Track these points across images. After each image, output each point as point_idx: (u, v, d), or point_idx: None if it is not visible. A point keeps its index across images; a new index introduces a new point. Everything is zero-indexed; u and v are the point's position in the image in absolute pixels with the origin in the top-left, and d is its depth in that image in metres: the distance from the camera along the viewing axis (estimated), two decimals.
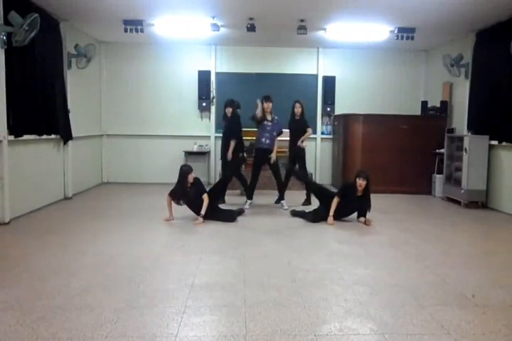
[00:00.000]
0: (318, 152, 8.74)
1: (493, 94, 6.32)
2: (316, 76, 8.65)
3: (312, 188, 6.06)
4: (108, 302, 2.86)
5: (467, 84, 7.00)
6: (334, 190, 6.15)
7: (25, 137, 5.47)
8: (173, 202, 5.30)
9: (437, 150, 7.48)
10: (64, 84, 6.55)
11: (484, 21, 6.26)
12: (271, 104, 6.11)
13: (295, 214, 5.66)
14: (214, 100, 8.44)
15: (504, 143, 6.10)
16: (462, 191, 6.49)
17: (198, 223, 5.15)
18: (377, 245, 4.41)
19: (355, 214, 5.43)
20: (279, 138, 6.31)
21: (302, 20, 6.40)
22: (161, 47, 8.41)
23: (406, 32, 6.68)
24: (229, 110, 6.27)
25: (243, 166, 6.94)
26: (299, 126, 6.36)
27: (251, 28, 6.39)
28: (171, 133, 8.52)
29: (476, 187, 6.40)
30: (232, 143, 6.21)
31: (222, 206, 5.83)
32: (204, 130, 8.63)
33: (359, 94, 8.70)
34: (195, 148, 8.47)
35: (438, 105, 7.84)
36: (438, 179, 7.44)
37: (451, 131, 7.49)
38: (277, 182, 6.34)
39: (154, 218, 5.45)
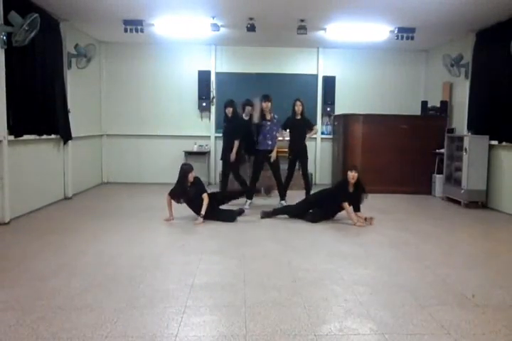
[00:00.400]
0: (318, 152, 8.74)
1: (493, 94, 6.32)
2: (316, 76, 8.65)
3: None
4: (108, 302, 2.86)
5: (467, 84, 7.00)
6: None
7: (25, 137, 5.47)
8: (173, 202, 5.30)
9: (437, 150, 7.48)
10: (64, 84, 6.55)
11: (484, 21, 6.26)
12: (269, 104, 6.11)
13: (274, 213, 5.58)
14: (214, 100, 8.44)
15: (504, 143, 6.10)
16: (462, 191, 6.49)
17: (198, 223, 5.15)
18: (377, 245, 4.41)
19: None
20: (278, 138, 6.32)
21: (302, 20, 6.40)
22: (161, 47, 8.41)
23: (406, 32, 6.68)
24: (229, 110, 6.24)
25: (246, 165, 6.92)
26: (301, 125, 6.36)
27: (251, 28, 6.39)
28: (171, 133, 8.53)
29: (476, 187, 6.40)
30: (236, 143, 6.18)
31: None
32: (204, 130, 8.63)
33: (359, 94, 8.70)
34: (195, 148, 8.47)
35: (438, 105, 7.84)
36: (438, 179, 7.44)
37: (451, 131, 7.49)
38: (277, 182, 6.34)
39: (154, 218, 5.45)
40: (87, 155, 7.80)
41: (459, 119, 7.39)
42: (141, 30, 6.58)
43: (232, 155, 6.17)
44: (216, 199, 5.48)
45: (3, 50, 4.88)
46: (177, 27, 6.84)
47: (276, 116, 6.22)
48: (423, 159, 7.58)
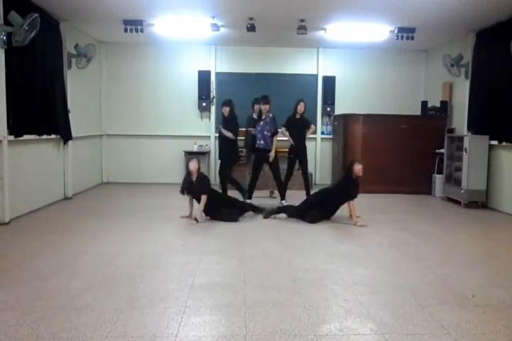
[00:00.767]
0: (318, 152, 8.74)
1: (493, 94, 6.32)
2: (316, 76, 8.65)
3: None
4: (108, 302, 2.86)
5: (467, 84, 7.00)
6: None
7: (25, 137, 5.47)
8: (193, 200, 5.32)
9: (437, 150, 7.48)
10: (64, 84, 6.55)
11: (484, 21, 6.26)
12: (268, 106, 6.13)
13: (277, 211, 5.53)
14: (214, 100, 8.43)
15: (504, 143, 6.10)
16: (462, 191, 6.49)
17: (192, 223, 5.16)
18: (377, 245, 4.41)
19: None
20: (278, 138, 6.32)
21: (302, 20, 6.40)
22: (161, 47, 8.41)
23: (406, 32, 6.68)
24: (226, 110, 6.26)
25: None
26: (300, 124, 6.38)
27: (251, 28, 6.39)
28: (171, 133, 8.53)
29: (476, 187, 6.40)
30: (230, 135, 6.21)
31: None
32: (204, 130, 8.63)
33: (359, 94, 8.70)
34: (195, 148, 8.47)
35: (438, 105, 7.84)
36: (438, 179, 7.44)
37: (451, 131, 7.49)
38: (277, 182, 6.34)
39: (154, 218, 5.45)
40: (87, 155, 7.80)
41: (459, 119, 7.39)
42: (141, 30, 6.58)
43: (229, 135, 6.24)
44: (220, 199, 5.47)
45: (3, 50, 4.88)
46: (177, 27, 6.84)
47: (270, 115, 6.20)
48: (423, 159, 7.58)
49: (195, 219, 5.20)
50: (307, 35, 6.80)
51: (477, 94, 6.76)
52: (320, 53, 8.61)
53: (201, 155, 8.49)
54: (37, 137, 5.79)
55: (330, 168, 8.80)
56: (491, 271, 3.64)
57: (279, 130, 6.35)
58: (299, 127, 6.39)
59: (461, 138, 6.68)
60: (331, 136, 8.76)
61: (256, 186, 6.32)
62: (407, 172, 7.55)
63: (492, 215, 6.02)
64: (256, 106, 6.36)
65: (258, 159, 6.23)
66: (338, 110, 8.55)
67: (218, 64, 8.52)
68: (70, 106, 6.67)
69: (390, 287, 3.22)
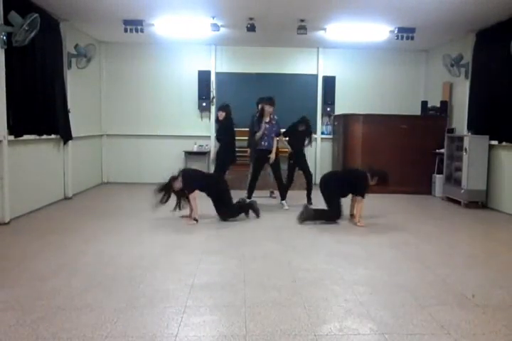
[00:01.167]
0: (318, 152, 8.74)
1: (493, 94, 6.32)
2: (316, 76, 8.65)
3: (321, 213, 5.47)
4: (108, 302, 2.86)
5: (467, 84, 7.00)
6: None
7: (25, 137, 5.47)
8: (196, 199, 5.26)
9: (437, 150, 7.47)
10: (64, 84, 6.55)
11: (484, 21, 6.25)
12: (272, 108, 6.13)
13: (306, 218, 5.31)
14: (214, 100, 8.43)
15: (504, 143, 6.10)
16: (462, 191, 6.49)
17: (191, 223, 5.17)
18: (377, 245, 4.41)
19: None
20: (278, 138, 6.32)
21: (302, 20, 6.40)
22: (161, 47, 8.41)
23: (406, 32, 6.68)
24: (221, 114, 6.34)
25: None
26: (303, 135, 6.49)
27: (251, 28, 6.39)
28: (171, 133, 8.52)
29: (476, 187, 6.40)
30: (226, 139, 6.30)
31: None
32: (204, 130, 8.63)
33: (359, 94, 8.70)
34: (195, 148, 8.47)
35: (438, 105, 7.84)
36: (438, 179, 7.44)
37: (451, 131, 7.49)
38: (278, 182, 6.34)
39: (154, 218, 5.44)
40: (87, 155, 7.80)
41: (459, 119, 7.39)
42: (141, 30, 6.58)
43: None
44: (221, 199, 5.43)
45: (3, 50, 4.88)
46: (177, 27, 6.84)
47: (276, 117, 6.22)
48: (423, 159, 7.58)
49: (195, 219, 5.20)
50: (307, 35, 6.80)
51: (477, 94, 6.76)
52: (320, 53, 8.61)
53: (201, 155, 8.50)
54: (37, 137, 5.79)
55: (330, 168, 8.78)
56: (491, 271, 3.64)
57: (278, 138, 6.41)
58: (301, 138, 6.50)
59: (461, 138, 6.68)
60: (331, 136, 8.76)
61: (256, 186, 6.30)
62: (407, 172, 7.55)
63: (492, 215, 6.02)
64: (260, 106, 6.35)
65: (259, 159, 6.22)
66: (338, 110, 8.55)
67: (218, 64, 8.52)
68: (70, 106, 6.67)
69: (390, 287, 3.22)
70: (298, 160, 6.51)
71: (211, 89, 8.44)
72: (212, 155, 7.51)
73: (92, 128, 8.06)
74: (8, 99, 5.00)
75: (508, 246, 4.45)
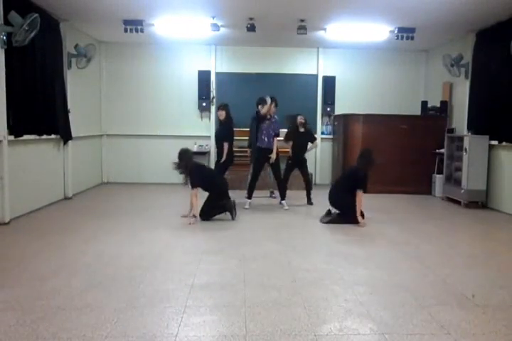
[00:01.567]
0: (318, 152, 8.73)
1: (493, 94, 6.32)
2: (316, 76, 8.65)
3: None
4: (108, 302, 2.86)
5: (467, 84, 7.00)
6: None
7: (25, 137, 5.47)
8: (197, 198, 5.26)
9: (437, 150, 7.48)
10: (64, 84, 6.55)
11: (484, 21, 6.25)
12: (275, 109, 6.17)
13: (329, 221, 5.31)
14: (214, 100, 8.43)
15: (504, 143, 6.10)
16: (462, 191, 6.49)
17: (191, 222, 5.17)
18: (377, 245, 4.41)
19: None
20: (278, 138, 6.32)
21: (302, 20, 6.40)
22: (161, 47, 8.41)
23: (406, 32, 6.68)
24: (221, 113, 6.30)
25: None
26: (304, 140, 6.50)
27: (251, 28, 6.39)
28: (171, 133, 8.52)
29: (476, 187, 6.40)
30: (226, 146, 6.26)
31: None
32: (204, 130, 8.63)
33: (359, 94, 8.70)
34: (195, 148, 8.45)
35: (438, 105, 7.84)
36: (438, 179, 7.44)
37: (451, 131, 7.49)
38: (278, 182, 6.33)
39: (154, 218, 5.45)
40: (87, 155, 7.80)
41: (459, 119, 7.39)
42: (141, 30, 6.58)
43: (223, 160, 6.30)
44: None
45: (3, 50, 4.88)
46: (177, 27, 6.84)
47: (276, 117, 6.22)
48: (423, 159, 7.58)
49: (194, 216, 5.19)
50: (307, 35, 6.80)
51: (477, 94, 6.76)
52: (320, 53, 8.61)
53: (201, 155, 8.49)
54: (37, 137, 5.79)
55: (330, 168, 8.80)
56: (491, 271, 3.64)
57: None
58: (302, 140, 6.49)
59: (461, 138, 6.68)
60: (331, 136, 8.76)
61: (256, 186, 6.30)
62: (407, 172, 7.55)
63: (492, 215, 6.02)
64: (260, 106, 6.36)
65: (259, 159, 6.21)
66: (338, 110, 8.55)
67: (218, 64, 8.52)
68: (70, 106, 6.67)
69: (390, 287, 3.22)
70: (298, 163, 6.53)
71: (211, 89, 8.44)
72: (213, 153, 7.51)
73: (92, 128, 8.06)
74: (8, 99, 5.00)
75: (508, 246, 4.45)
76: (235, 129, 6.54)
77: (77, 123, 6.95)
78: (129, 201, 6.74)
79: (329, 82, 8.59)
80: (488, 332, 2.51)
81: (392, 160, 7.53)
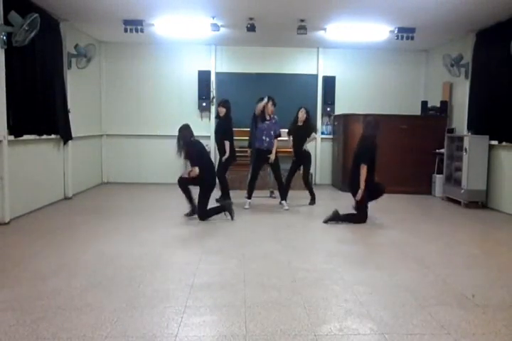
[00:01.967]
0: (318, 152, 8.74)
1: (493, 94, 6.32)
2: (316, 76, 8.65)
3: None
4: (108, 302, 2.86)
5: (467, 84, 7.00)
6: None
7: (25, 137, 5.47)
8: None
9: (437, 150, 7.48)
10: (64, 84, 6.55)
11: (484, 21, 6.25)
12: (273, 108, 6.14)
13: (331, 219, 5.27)
14: (214, 100, 8.43)
15: (504, 143, 6.10)
16: (462, 191, 6.49)
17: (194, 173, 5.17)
18: (377, 245, 4.41)
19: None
20: (279, 138, 6.31)
21: (302, 20, 6.40)
22: (161, 47, 8.41)
23: (406, 32, 6.68)
24: (221, 110, 6.23)
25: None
26: (301, 132, 6.42)
27: (251, 28, 6.39)
28: (171, 133, 8.38)
29: (476, 187, 6.40)
30: (227, 144, 6.25)
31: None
32: (204, 130, 8.62)
33: (359, 94, 8.69)
34: None
35: (438, 105, 7.84)
36: (438, 179, 7.44)
37: (451, 131, 7.49)
38: (278, 182, 6.33)
39: (154, 218, 5.45)
40: (87, 155, 7.79)
41: (459, 119, 7.39)
42: (141, 30, 6.58)
43: (223, 158, 6.29)
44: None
45: (3, 50, 4.88)
46: (177, 27, 6.84)
47: (275, 117, 6.21)
48: (423, 159, 7.58)
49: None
50: (307, 35, 6.80)
51: (477, 94, 6.76)
52: (320, 53, 8.60)
53: None
54: (37, 137, 5.79)
55: (330, 168, 8.79)
56: (491, 271, 3.64)
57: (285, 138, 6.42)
58: (299, 134, 6.44)
59: (461, 138, 6.68)
60: (331, 136, 8.76)
61: (256, 186, 6.29)
62: (407, 172, 7.55)
63: (492, 215, 6.02)
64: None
65: (258, 159, 6.20)
66: (338, 110, 8.54)
67: (218, 64, 8.52)
68: (70, 106, 6.67)
69: (390, 287, 3.22)
70: (299, 158, 6.49)
71: (211, 89, 8.44)
72: (213, 153, 7.50)
73: (92, 128, 8.06)
74: (8, 99, 5.00)
75: (508, 246, 4.45)
76: (234, 129, 6.54)
77: (77, 123, 6.95)
78: (129, 201, 6.74)
79: (329, 82, 8.58)
80: (488, 332, 2.51)
81: (392, 160, 7.53)
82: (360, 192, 5.09)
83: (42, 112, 5.85)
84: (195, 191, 5.35)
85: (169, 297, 2.97)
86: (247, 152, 7.06)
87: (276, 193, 6.63)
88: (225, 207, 5.37)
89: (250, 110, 6.54)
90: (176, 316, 2.67)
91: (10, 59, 5.02)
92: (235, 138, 6.54)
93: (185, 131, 5.35)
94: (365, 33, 7.10)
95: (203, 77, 8.40)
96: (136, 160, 8.61)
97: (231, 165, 6.57)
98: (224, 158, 6.29)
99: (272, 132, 6.11)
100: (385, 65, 8.68)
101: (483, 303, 2.93)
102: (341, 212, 5.26)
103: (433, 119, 7.78)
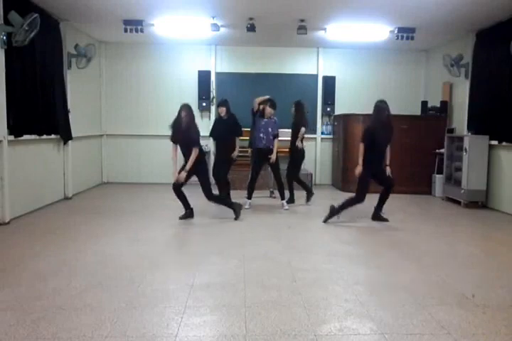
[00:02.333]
0: (318, 152, 8.74)
1: (493, 94, 6.32)
2: (316, 76, 8.65)
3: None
4: (108, 302, 2.86)
5: (467, 84, 7.00)
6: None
7: (25, 137, 5.47)
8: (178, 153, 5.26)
9: (437, 150, 7.48)
10: (64, 84, 6.55)
11: (484, 21, 6.26)
12: (271, 111, 6.13)
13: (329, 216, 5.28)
14: (214, 100, 8.43)
15: (504, 143, 6.09)
16: (462, 191, 6.49)
17: (180, 177, 5.09)
18: (377, 245, 4.41)
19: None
20: (279, 138, 6.30)
21: (302, 20, 6.40)
22: (161, 47, 8.41)
23: (406, 32, 6.68)
24: (222, 110, 6.16)
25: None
26: (294, 128, 6.41)
27: (251, 28, 6.40)
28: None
29: (476, 187, 6.40)
30: (237, 140, 6.22)
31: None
32: (204, 130, 8.54)
33: (359, 94, 8.69)
34: None
35: (438, 105, 7.84)
36: (438, 179, 7.44)
37: (451, 131, 7.49)
38: (277, 182, 6.31)
39: (154, 218, 5.45)
40: (87, 155, 7.80)
41: (459, 119, 7.39)
42: (141, 30, 6.58)
43: (234, 154, 6.21)
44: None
45: (3, 50, 4.88)
46: (177, 27, 6.84)
47: (275, 118, 6.19)
48: (423, 159, 7.58)
49: (185, 171, 5.12)
50: (307, 35, 6.81)
51: (477, 94, 6.76)
52: (320, 53, 8.61)
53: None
54: (37, 137, 5.79)
55: (330, 168, 8.79)
56: (491, 271, 3.64)
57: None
58: (293, 130, 6.43)
59: (461, 138, 6.68)
60: (331, 136, 8.76)
61: (256, 186, 6.28)
62: (407, 172, 7.55)
63: (492, 215, 6.02)
64: (261, 106, 6.35)
65: (258, 159, 6.17)
66: (338, 110, 8.55)
67: (218, 64, 8.52)
68: (70, 106, 6.67)
69: (390, 287, 3.22)
70: (292, 154, 6.48)
71: (211, 89, 8.44)
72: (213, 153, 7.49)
73: (92, 128, 8.06)
74: (8, 99, 5.00)
75: (508, 246, 4.45)
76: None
77: (77, 123, 6.95)
78: (129, 201, 6.74)
79: (329, 82, 8.59)
80: (488, 332, 2.51)
81: (392, 160, 7.49)
82: (357, 167, 5.14)
83: (42, 112, 5.85)
84: (195, 192, 5.35)
85: (169, 297, 2.97)
86: (247, 152, 7.05)
87: (276, 193, 6.63)
88: (235, 206, 5.38)
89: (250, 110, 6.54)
90: (175, 316, 2.67)
91: (10, 59, 5.02)
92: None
93: (190, 110, 5.24)
94: (365, 33, 7.10)
95: (203, 77, 8.40)
96: (136, 160, 8.61)
97: (230, 165, 6.57)
98: (234, 155, 6.22)
99: (270, 129, 6.06)
100: (385, 65, 8.68)
101: (483, 303, 2.93)
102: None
103: (433, 119, 7.78)
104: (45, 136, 5.98)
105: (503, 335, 2.48)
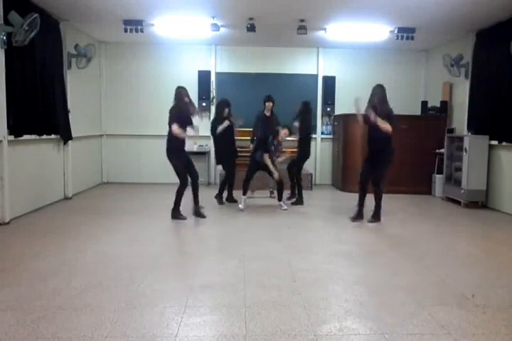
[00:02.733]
0: (318, 152, 8.74)
1: (493, 94, 6.32)
2: (316, 76, 8.65)
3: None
4: (108, 302, 2.86)
5: (467, 84, 7.00)
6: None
7: (25, 137, 5.47)
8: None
9: (437, 150, 7.48)
10: (64, 84, 6.55)
11: (484, 21, 6.25)
12: (271, 104, 6.20)
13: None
14: (214, 100, 8.42)
15: (504, 143, 6.09)
16: (462, 191, 6.49)
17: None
18: (377, 245, 4.41)
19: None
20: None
21: (302, 20, 6.40)
22: (161, 47, 8.41)
23: (406, 32, 6.68)
24: (226, 110, 6.30)
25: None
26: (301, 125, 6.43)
27: (251, 28, 6.40)
28: None
29: (476, 187, 6.40)
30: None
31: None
32: (204, 130, 8.60)
33: (359, 94, 8.63)
34: (195, 148, 8.46)
35: (438, 105, 7.84)
36: (438, 179, 7.44)
37: (451, 131, 7.49)
38: (277, 183, 6.31)
39: (154, 218, 5.45)
40: (87, 155, 7.80)
41: (459, 119, 7.39)
42: (141, 30, 6.58)
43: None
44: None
45: (3, 50, 4.88)
46: (177, 27, 6.84)
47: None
48: (423, 159, 7.58)
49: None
50: (307, 35, 6.80)
51: (477, 94, 6.76)
52: (320, 53, 8.60)
53: (201, 155, 8.50)
54: (37, 137, 5.79)
55: (330, 168, 8.79)
56: (491, 271, 3.64)
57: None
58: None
59: (461, 138, 6.68)
60: (331, 136, 8.76)
61: (251, 185, 6.27)
62: (407, 172, 7.55)
63: (492, 215, 6.02)
64: (267, 104, 6.40)
65: (255, 159, 6.18)
66: (338, 110, 8.54)
67: (218, 64, 8.52)
68: (70, 106, 6.67)
69: (390, 287, 3.22)
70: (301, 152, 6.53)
71: (211, 89, 8.44)
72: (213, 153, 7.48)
73: (92, 128, 8.06)
74: (8, 99, 5.00)
75: (508, 246, 4.45)
76: (235, 129, 6.54)
77: (77, 123, 6.95)
78: (129, 201, 6.74)
79: (329, 82, 8.59)
80: (488, 332, 2.51)
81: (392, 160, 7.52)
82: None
83: (42, 112, 5.85)
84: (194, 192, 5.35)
85: (169, 297, 2.97)
86: (247, 152, 7.04)
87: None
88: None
89: (250, 110, 6.56)
90: (175, 316, 2.67)
91: (10, 59, 5.02)
92: (235, 138, 6.55)
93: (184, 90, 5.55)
94: (365, 33, 7.10)
95: (203, 77, 8.39)
96: (136, 160, 8.61)
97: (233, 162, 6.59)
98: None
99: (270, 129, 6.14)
100: (385, 65, 8.68)
101: (483, 303, 2.93)
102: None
103: (433, 119, 7.78)
104: (45, 136, 5.98)
105: (503, 335, 2.48)
